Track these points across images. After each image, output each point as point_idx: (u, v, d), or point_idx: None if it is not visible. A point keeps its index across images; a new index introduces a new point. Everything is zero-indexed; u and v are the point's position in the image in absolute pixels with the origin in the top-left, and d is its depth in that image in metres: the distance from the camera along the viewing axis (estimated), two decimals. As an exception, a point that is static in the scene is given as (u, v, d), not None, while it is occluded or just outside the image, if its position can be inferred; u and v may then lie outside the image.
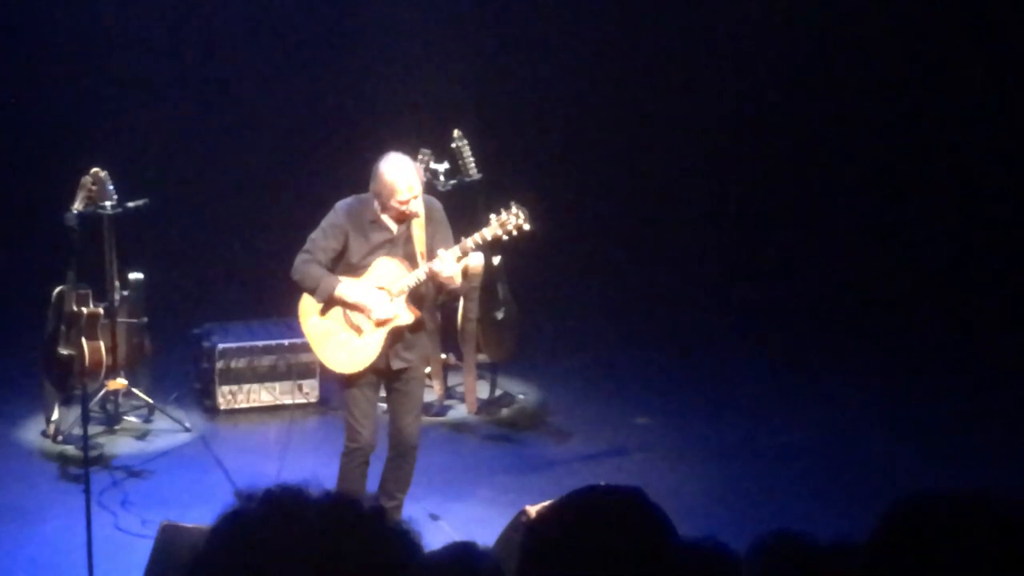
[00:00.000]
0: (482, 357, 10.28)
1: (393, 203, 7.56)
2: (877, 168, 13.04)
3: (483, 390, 10.40)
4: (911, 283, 12.35)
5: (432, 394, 10.26)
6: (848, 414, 10.25)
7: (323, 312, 7.75)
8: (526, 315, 10.58)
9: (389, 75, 12.79)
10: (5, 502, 8.66)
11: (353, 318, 7.72)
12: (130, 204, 9.56)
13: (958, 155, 12.74)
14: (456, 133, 9.99)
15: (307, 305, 7.82)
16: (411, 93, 12.57)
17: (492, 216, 7.92)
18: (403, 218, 7.65)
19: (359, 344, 7.71)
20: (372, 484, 7.93)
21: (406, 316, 7.71)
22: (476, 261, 9.92)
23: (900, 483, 8.36)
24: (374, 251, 7.67)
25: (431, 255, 7.68)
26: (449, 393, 10.44)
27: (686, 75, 13.18)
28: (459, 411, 10.32)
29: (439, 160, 9.90)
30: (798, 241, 12.96)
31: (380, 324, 7.65)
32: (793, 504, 8.53)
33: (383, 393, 7.99)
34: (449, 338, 10.25)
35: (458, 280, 7.86)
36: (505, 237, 7.94)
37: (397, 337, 7.74)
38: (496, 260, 10.11)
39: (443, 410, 10.31)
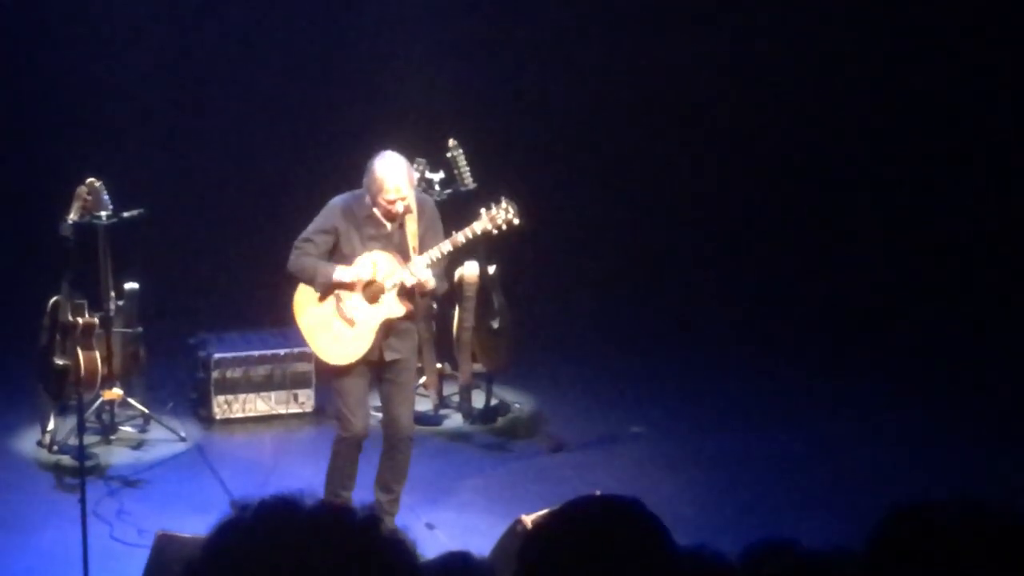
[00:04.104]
0: (478, 366, 10.28)
1: (380, 200, 7.64)
2: (874, 175, 13.06)
3: (479, 399, 10.40)
4: (907, 291, 12.36)
5: (427, 403, 10.28)
6: (844, 423, 10.25)
7: (319, 301, 7.83)
8: (521, 324, 10.58)
9: (384, 85, 12.78)
10: (1, 512, 8.65)
11: (346, 310, 7.81)
12: (125, 214, 9.57)
13: (958, 161, 12.75)
14: (451, 142, 9.99)
15: (301, 298, 7.94)
16: (406, 102, 12.56)
17: (482, 210, 8.01)
18: (392, 216, 7.72)
19: (352, 335, 7.81)
20: (360, 477, 8.00)
21: (397, 309, 7.82)
22: (471, 270, 9.94)
23: (896, 492, 8.34)
24: (368, 246, 7.76)
25: (424, 250, 7.77)
26: (444, 402, 10.43)
27: (684, 80, 13.17)
28: (454, 420, 10.32)
29: (434, 169, 9.92)
30: (793, 250, 12.97)
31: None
32: (789, 513, 8.53)
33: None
34: (444, 348, 10.26)
35: (430, 284, 7.90)
36: (495, 232, 8.02)
37: (389, 329, 7.86)
38: (491, 269, 10.10)
39: (438, 419, 10.30)
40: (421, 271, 7.75)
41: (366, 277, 7.76)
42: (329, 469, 7.96)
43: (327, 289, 7.82)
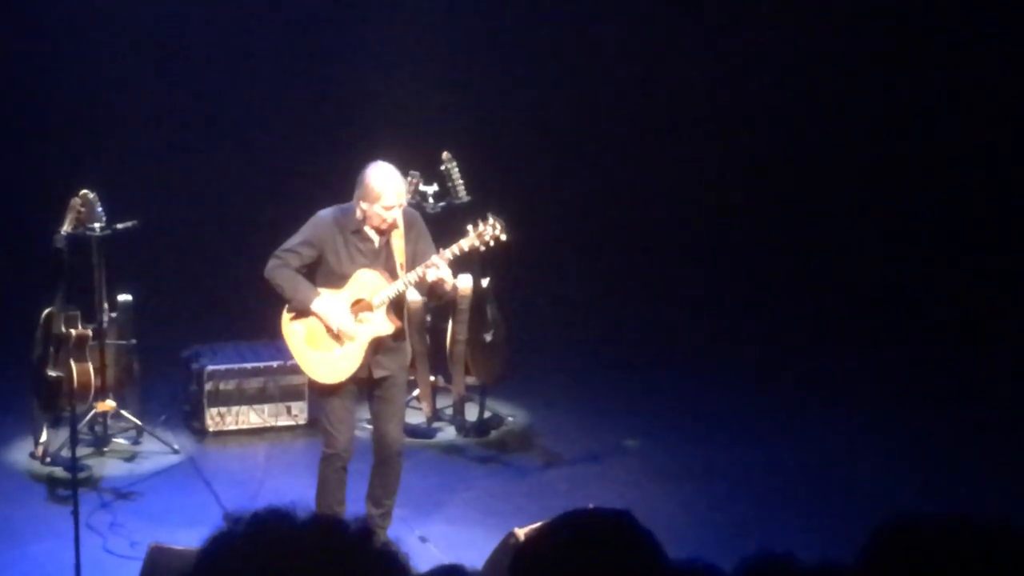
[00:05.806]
0: (471, 379, 10.28)
1: (377, 209, 7.61)
2: (869, 184, 13.07)
3: (472, 412, 10.40)
4: (901, 303, 12.37)
5: (421, 416, 10.27)
6: (837, 436, 10.26)
7: (304, 322, 7.80)
8: (515, 337, 10.57)
9: (378, 97, 12.80)
10: (-7, 524, 8.65)
11: None
12: (119, 226, 9.55)
13: (957, 173, 12.77)
14: (445, 155, 9.99)
15: (289, 314, 7.89)
16: (400, 115, 12.58)
17: (469, 227, 7.98)
18: (384, 229, 7.70)
19: (341, 354, 7.78)
20: (352, 491, 8.00)
21: (386, 326, 7.78)
22: (465, 283, 9.93)
23: (887, 506, 8.36)
24: (355, 262, 7.73)
25: (411, 266, 7.75)
26: (438, 415, 10.43)
27: (682, 94, 13.19)
28: (448, 433, 10.31)
29: (428, 182, 9.91)
30: (788, 263, 12.98)
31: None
32: (781, 526, 8.52)
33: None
34: (438, 360, 10.25)
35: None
36: (482, 248, 8.02)
37: (378, 346, 7.82)
38: (485, 282, 10.11)
39: (431, 432, 10.29)
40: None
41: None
42: (318, 489, 7.91)
43: (302, 312, 7.81)
